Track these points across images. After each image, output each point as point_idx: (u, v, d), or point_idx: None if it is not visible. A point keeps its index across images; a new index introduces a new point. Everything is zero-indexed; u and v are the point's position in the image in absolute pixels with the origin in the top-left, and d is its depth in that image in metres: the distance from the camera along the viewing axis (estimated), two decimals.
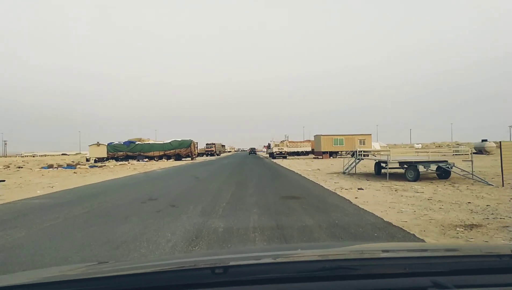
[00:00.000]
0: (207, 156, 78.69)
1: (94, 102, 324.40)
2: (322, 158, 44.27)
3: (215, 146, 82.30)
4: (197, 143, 53.83)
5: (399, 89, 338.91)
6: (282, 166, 28.36)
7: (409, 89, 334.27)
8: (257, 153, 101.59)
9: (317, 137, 47.39)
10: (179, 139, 50.42)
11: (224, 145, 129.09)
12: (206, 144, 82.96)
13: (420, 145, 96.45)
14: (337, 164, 29.24)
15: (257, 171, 22.74)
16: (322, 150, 45.15)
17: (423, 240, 5.44)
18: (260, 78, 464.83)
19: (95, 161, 51.28)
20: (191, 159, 50.50)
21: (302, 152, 64.41)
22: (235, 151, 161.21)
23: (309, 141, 68.51)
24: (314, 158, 47.66)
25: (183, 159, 50.79)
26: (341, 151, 46.38)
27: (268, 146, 59.33)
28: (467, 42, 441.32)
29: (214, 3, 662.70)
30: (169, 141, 50.62)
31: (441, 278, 1.20)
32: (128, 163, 41.24)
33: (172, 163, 42.32)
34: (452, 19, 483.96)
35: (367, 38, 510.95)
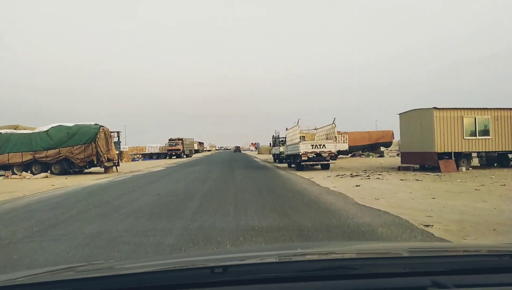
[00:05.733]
0: (170, 157, 50.27)
1: (58, 95, 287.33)
2: (441, 170, 16.12)
3: (182, 143, 53.06)
4: (119, 132, 24.78)
5: (396, 88, 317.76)
6: None
7: (407, 87, 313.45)
8: (241, 151, 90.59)
9: (418, 113, 18.45)
10: (71, 124, 21.26)
11: (202, 143, 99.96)
12: (169, 140, 53.86)
13: None
14: None
15: None
16: (438, 150, 16.71)
17: None
18: (247, 76, 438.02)
19: None
20: (105, 171, 21.70)
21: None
22: (216, 149, 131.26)
23: (339, 134, 40.35)
24: (401, 167, 19.12)
25: (85, 169, 21.95)
26: (481, 152, 18.15)
27: (274, 142, 30.50)
28: (466, 40, 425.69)
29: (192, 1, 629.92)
30: (46, 128, 21.30)
31: (441, 278, 1.17)
32: None
33: (26, 185, 13.71)
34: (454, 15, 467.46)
35: (364, 36, 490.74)
